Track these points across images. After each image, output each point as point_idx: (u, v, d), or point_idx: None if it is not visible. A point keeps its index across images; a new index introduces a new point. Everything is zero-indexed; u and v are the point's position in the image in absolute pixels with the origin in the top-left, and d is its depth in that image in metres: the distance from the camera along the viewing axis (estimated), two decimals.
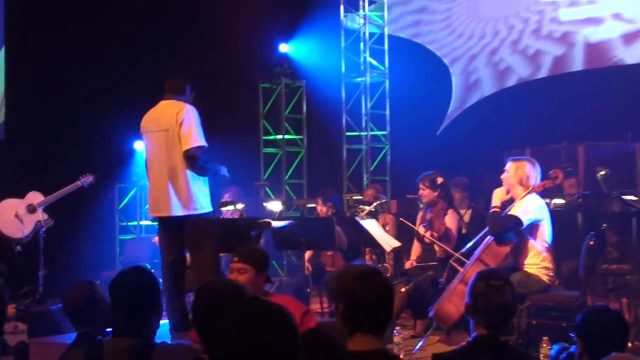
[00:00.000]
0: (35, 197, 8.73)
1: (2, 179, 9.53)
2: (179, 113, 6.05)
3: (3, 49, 10.84)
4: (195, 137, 6.03)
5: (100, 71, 10.62)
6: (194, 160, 6.05)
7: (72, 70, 10.59)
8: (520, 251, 6.24)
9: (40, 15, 10.58)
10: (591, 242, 6.62)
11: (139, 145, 11.48)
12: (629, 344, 5.59)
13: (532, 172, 6.32)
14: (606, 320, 3.43)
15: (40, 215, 8.65)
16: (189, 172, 6.09)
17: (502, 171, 6.48)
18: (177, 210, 6.11)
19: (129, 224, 11.60)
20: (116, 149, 11.20)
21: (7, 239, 8.57)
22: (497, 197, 6.33)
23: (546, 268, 6.22)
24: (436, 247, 7.34)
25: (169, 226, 6.27)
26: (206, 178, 6.24)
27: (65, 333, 6.42)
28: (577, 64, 10.79)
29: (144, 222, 11.38)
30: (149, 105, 6.50)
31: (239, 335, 1.94)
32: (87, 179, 8.87)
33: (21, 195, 8.74)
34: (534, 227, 6.16)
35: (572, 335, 3.50)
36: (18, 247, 8.56)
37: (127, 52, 10.67)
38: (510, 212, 6.19)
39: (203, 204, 6.20)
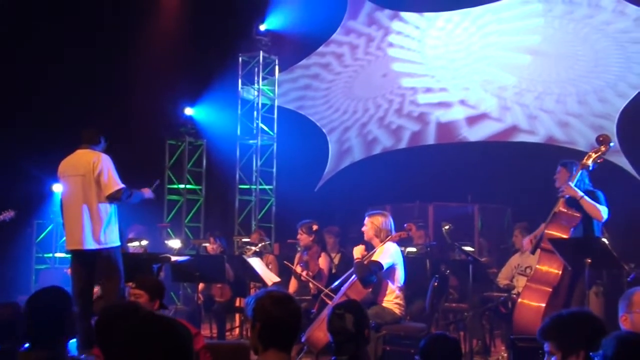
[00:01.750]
0: None
1: None
2: (96, 163, 5.96)
3: None
4: (114, 182, 5.97)
5: (25, 117, 10.29)
6: (118, 200, 5.98)
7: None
8: (378, 289, 6.30)
9: None
10: (436, 284, 6.77)
11: (56, 187, 11.13)
12: None
13: (385, 224, 6.43)
14: (444, 345, 3.48)
15: None
16: (102, 211, 5.97)
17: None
18: (90, 244, 5.95)
19: (45, 255, 11.17)
20: (36, 189, 10.82)
21: None
22: (358, 251, 6.38)
23: (398, 304, 6.29)
24: (310, 284, 7.34)
25: (81, 258, 6.07)
26: (115, 216, 6.11)
27: None
28: (430, 138, 11.08)
29: (58, 254, 10.98)
30: (66, 152, 6.34)
31: (135, 343, 1.88)
32: (9, 214, 8.49)
33: None
34: (390, 270, 6.24)
35: (416, 358, 3.52)
36: None
37: (48, 100, 10.37)
38: (372, 258, 6.26)
39: (113, 239, 6.06)
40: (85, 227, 5.96)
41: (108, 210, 6.04)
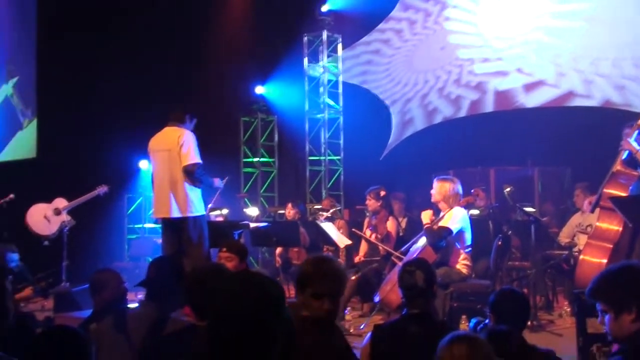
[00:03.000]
0: (60, 202, 8.63)
1: (34, 188, 9.45)
2: (180, 137, 6.10)
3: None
4: (192, 155, 6.07)
5: (112, 100, 10.59)
6: (191, 174, 6.09)
7: (88, 101, 10.55)
8: (447, 252, 6.29)
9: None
10: (499, 243, 6.70)
11: (143, 164, 11.44)
12: (529, 322, 5.67)
13: (454, 189, 6.36)
14: (513, 299, 3.45)
15: (65, 217, 8.57)
16: (186, 183, 6.10)
17: (431, 188, 6.53)
18: (176, 213, 6.11)
19: (135, 226, 11.52)
20: (126, 166, 11.19)
21: (37, 236, 8.49)
22: (426, 216, 6.38)
23: (466, 264, 6.28)
24: (379, 247, 7.36)
25: (169, 226, 6.24)
26: (200, 188, 6.24)
27: (82, 310, 6.36)
28: (489, 106, 10.87)
29: (147, 225, 11.31)
30: (153, 131, 6.51)
31: (234, 299, 1.86)
32: (103, 189, 8.80)
33: (49, 200, 8.64)
34: (459, 234, 6.22)
35: (486, 311, 3.51)
36: (46, 242, 8.49)
37: (132, 88, 10.61)
38: (441, 223, 6.23)
39: (198, 208, 6.20)
40: (172, 198, 6.12)
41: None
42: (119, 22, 11.01)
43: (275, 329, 1.87)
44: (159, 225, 10.45)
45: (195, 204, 6.16)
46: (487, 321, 3.60)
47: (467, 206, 6.76)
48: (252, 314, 1.84)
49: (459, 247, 6.24)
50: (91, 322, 3.79)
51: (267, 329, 1.85)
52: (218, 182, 6.53)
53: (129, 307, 3.91)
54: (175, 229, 6.18)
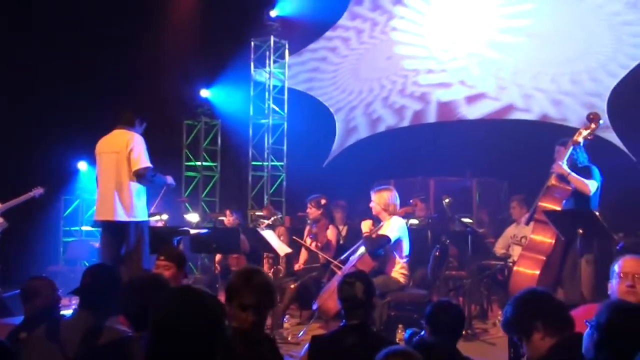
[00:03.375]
0: None
1: None
2: (129, 140, 6.04)
3: None
4: (143, 159, 6.03)
5: (48, 100, 10.34)
6: (143, 177, 6.04)
7: (24, 101, 10.28)
8: (385, 260, 6.36)
9: None
10: (437, 253, 6.80)
11: (82, 166, 11.23)
12: (464, 332, 5.77)
13: (391, 198, 6.47)
14: (449, 311, 3.51)
15: None
16: (132, 188, 6.03)
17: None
18: (120, 216, 6.03)
19: (72, 228, 11.29)
20: (63, 167, 10.94)
21: None
22: (365, 226, 6.44)
23: (403, 273, 6.34)
24: (319, 255, 7.39)
25: (110, 229, 6.14)
26: (144, 193, 6.17)
27: (14, 316, 6.18)
28: (432, 117, 11.07)
29: (84, 228, 11.11)
30: (90, 131, 6.43)
31: (175, 315, 1.90)
32: (38, 191, 8.58)
33: None
34: (397, 243, 6.29)
35: (422, 322, 3.56)
36: None
37: (73, 85, 10.40)
38: (380, 232, 6.30)
39: (141, 213, 6.13)
40: (117, 201, 6.04)
41: (138, 186, 6.10)
42: (59, 18, 10.76)
43: (215, 344, 1.91)
44: (97, 229, 10.31)
45: (139, 208, 6.09)
46: (422, 332, 3.66)
47: (406, 216, 6.85)
48: (192, 330, 1.88)
49: (396, 255, 6.32)
50: (21, 330, 3.69)
51: (207, 343, 1.89)
52: (171, 180, 6.48)
53: (62, 315, 3.82)
54: (117, 232, 6.08)
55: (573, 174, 5.93)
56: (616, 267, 3.46)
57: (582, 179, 5.91)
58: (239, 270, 3.17)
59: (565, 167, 5.96)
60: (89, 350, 3.16)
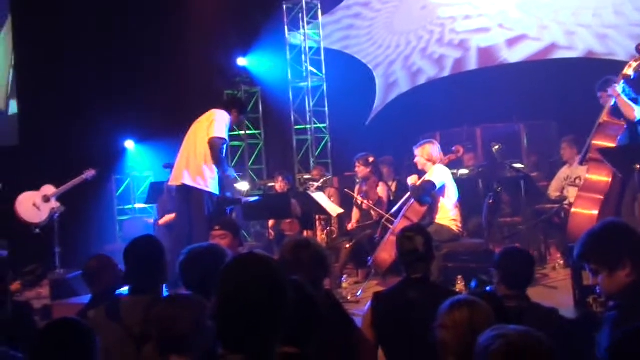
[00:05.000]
0: (48, 189, 8.56)
1: (20, 176, 9.38)
2: (215, 113, 6.19)
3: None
4: (220, 130, 6.11)
5: (94, 79, 10.47)
6: (216, 147, 6.10)
7: (70, 80, 10.43)
8: (434, 208, 6.37)
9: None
10: (490, 201, 6.74)
11: (129, 144, 11.39)
12: None
13: (433, 150, 6.50)
14: (519, 258, 3.47)
15: (54, 203, 8.51)
16: (205, 157, 6.10)
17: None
18: (187, 181, 6.13)
19: (125, 207, 11.50)
20: (111, 148, 11.11)
21: (28, 224, 8.42)
22: (412, 180, 6.57)
23: (455, 220, 6.35)
24: (372, 212, 7.38)
25: (180, 193, 6.28)
26: (217, 169, 6.23)
27: (79, 295, 6.36)
28: (472, 64, 10.86)
29: (137, 205, 11.29)
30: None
31: (241, 285, 1.92)
32: (90, 173, 8.73)
33: (37, 188, 8.58)
34: (443, 188, 6.32)
35: (491, 270, 3.52)
36: (37, 230, 8.43)
37: (113, 67, 10.50)
38: (425, 179, 6.35)
39: (210, 184, 6.18)
40: (185, 166, 6.17)
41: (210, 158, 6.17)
42: (95, 2, 10.83)
43: (281, 310, 1.94)
44: (149, 205, 10.49)
45: (208, 179, 6.16)
46: (488, 285, 3.63)
47: (453, 164, 6.84)
48: (260, 296, 1.90)
49: (445, 202, 6.32)
50: (89, 309, 3.78)
51: (274, 309, 1.92)
52: (232, 172, 6.57)
53: (122, 294, 3.88)
54: (186, 197, 6.19)
55: (623, 96, 5.83)
56: None
57: (631, 102, 5.81)
58: (289, 244, 3.16)
59: (619, 88, 5.86)
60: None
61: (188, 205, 6.19)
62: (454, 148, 6.74)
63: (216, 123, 6.11)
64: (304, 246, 3.09)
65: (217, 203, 6.36)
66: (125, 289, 3.83)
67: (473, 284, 3.94)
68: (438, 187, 6.27)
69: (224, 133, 6.15)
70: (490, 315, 2.49)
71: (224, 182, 6.40)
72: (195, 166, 6.14)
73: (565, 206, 6.84)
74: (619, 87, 5.90)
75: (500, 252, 3.56)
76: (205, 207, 6.14)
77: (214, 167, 6.17)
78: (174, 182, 6.37)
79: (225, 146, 6.25)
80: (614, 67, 7.25)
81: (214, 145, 6.09)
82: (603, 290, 2.76)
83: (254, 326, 1.89)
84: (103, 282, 4.18)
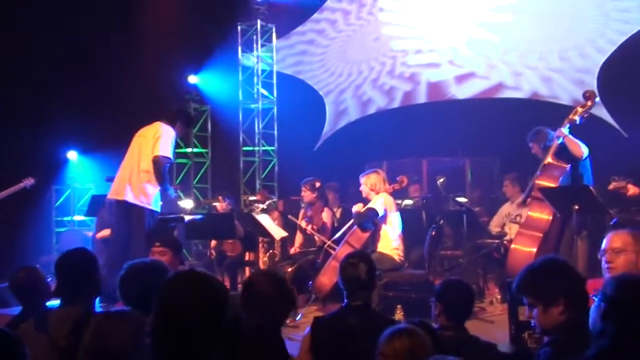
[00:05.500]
0: None
1: None
2: (160, 129, 6.05)
3: None
4: (166, 148, 6.02)
5: (38, 88, 10.19)
6: (160, 165, 6.00)
7: (11, 91, 10.13)
8: (376, 237, 6.42)
9: None
10: (433, 233, 6.80)
11: (71, 155, 11.13)
12: None
13: (378, 180, 6.57)
14: (460, 290, 3.50)
15: None
16: (148, 173, 6.01)
17: None
18: (129, 198, 6.02)
19: (64, 218, 11.21)
20: (53, 157, 10.82)
21: None
22: (357, 208, 6.63)
23: (397, 249, 6.39)
24: (315, 237, 7.37)
25: (122, 209, 6.12)
26: (159, 187, 6.14)
27: (10, 307, 6.11)
28: (422, 97, 11.02)
29: (76, 217, 11.03)
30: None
31: (182, 300, 1.88)
32: (29, 182, 8.47)
33: None
34: (385, 216, 6.37)
35: (431, 301, 3.53)
36: None
37: (60, 76, 10.25)
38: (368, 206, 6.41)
39: (154, 203, 6.10)
40: (128, 182, 6.07)
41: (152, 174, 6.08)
42: (46, 6, 10.59)
43: (220, 328, 1.90)
44: (89, 218, 10.23)
45: (150, 195, 6.07)
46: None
47: (401, 195, 6.91)
48: (199, 313, 1.87)
49: (388, 231, 6.38)
50: (18, 321, 3.64)
51: (213, 326, 1.88)
52: (172, 191, 6.46)
53: (52, 307, 3.77)
54: (125, 214, 6.06)
55: (570, 136, 6.02)
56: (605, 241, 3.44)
57: (578, 140, 6.00)
58: (265, 277, 3.17)
59: (565, 130, 6.05)
60: (76, 341, 3.11)
61: (128, 222, 6.07)
62: (398, 178, 6.81)
63: (162, 140, 6.02)
64: (282, 279, 3.17)
65: (160, 220, 6.26)
66: (56, 302, 3.71)
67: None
68: (380, 214, 6.33)
69: (169, 151, 6.07)
70: (429, 345, 2.50)
71: (163, 199, 6.33)
72: (138, 182, 6.05)
73: (505, 242, 6.95)
74: (565, 129, 6.08)
75: (442, 283, 3.59)
76: (146, 224, 6.04)
77: (156, 183, 6.09)
78: (115, 196, 6.22)
79: (169, 165, 6.18)
80: (557, 110, 7.49)
81: (159, 163, 6.01)
82: (537, 325, 2.80)
83: (193, 344, 1.85)
84: (32, 294, 4.04)
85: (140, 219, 6.04)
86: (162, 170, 6.03)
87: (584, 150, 6.06)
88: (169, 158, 6.09)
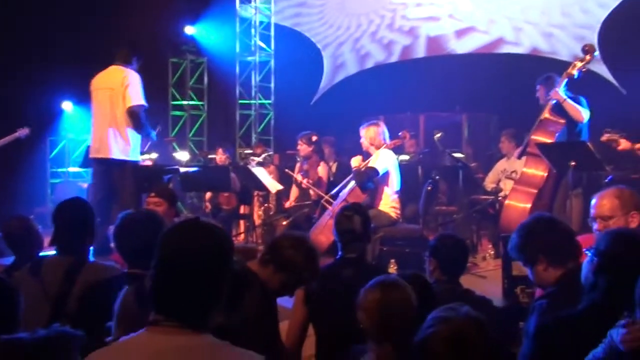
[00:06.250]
0: None
1: None
2: (125, 77, 5.94)
3: None
4: (138, 96, 5.94)
5: (33, 38, 10.06)
6: (136, 115, 5.93)
7: (6, 37, 10.00)
8: (375, 194, 6.34)
9: None
10: (429, 188, 6.80)
11: (66, 105, 11.04)
12: None
13: (379, 133, 6.40)
14: (454, 245, 3.50)
15: None
16: (127, 126, 5.96)
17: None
18: (116, 154, 5.96)
19: (58, 169, 11.18)
20: (47, 108, 10.73)
21: None
22: (355, 161, 6.43)
23: (394, 207, 6.33)
24: (311, 191, 7.36)
25: (106, 167, 6.07)
26: (140, 134, 6.09)
27: (3, 257, 6.13)
28: (421, 52, 10.92)
29: (71, 169, 11.00)
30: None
31: (185, 248, 1.84)
32: (24, 131, 8.41)
33: None
34: (386, 175, 6.27)
35: (425, 255, 3.54)
36: None
37: (55, 23, 10.12)
38: (369, 165, 6.28)
39: (135, 153, 6.07)
40: (111, 138, 5.97)
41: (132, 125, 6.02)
42: None
43: (224, 277, 1.88)
44: (84, 169, 10.21)
45: (135, 148, 6.04)
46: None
47: (396, 150, 6.81)
48: (203, 263, 1.83)
49: (386, 189, 6.30)
50: (11, 270, 3.66)
51: (217, 276, 1.86)
52: (154, 135, 6.41)
53: (46, 255, 3.78)
54: (111, 170, 6.03)
55: (569, 100, 5.93)
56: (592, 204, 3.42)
57: (577, 105, 5.91)
58: (296, 242, 3.11)
59: (562, 93, 5.95)
60: (70, 288, 3.13)
61: (115, 176, 6.04)
62: (400, 133, 6.69)
63: (131, 88, 5.91)
64: (314, 249, 3.15)
65: (155, 170, 6.24)
66: (48, 253, 3.72)
67: None
68: (381, 173, 6.21)
69: (141, 98, 5.97)
70: (407, 298, 2.49)
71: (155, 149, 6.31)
72: (120, 136, 5.99)
73: (500, 198, 6.95)
74: (561, 90, 5.99)
75: (436, 238, 3.58)
76: (133, 176, 6.05)
77: (135, 133, 6.05)
78: (98, 154, 6.15)
79: (145, 111, 6.08)
80: (556, 66, 7.39)
81: (134, 113, 5.93)
82: (534, 281, 2.86)
83: (195, 292, 1.82)
84: (25, 244, 4.05)
85: (128, 171, 6.02)
86: (140, 119, 5.97)
87: (584, 115, 5.95)
88: (144, 105, 6.00)
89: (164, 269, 1.84)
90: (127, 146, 5.97)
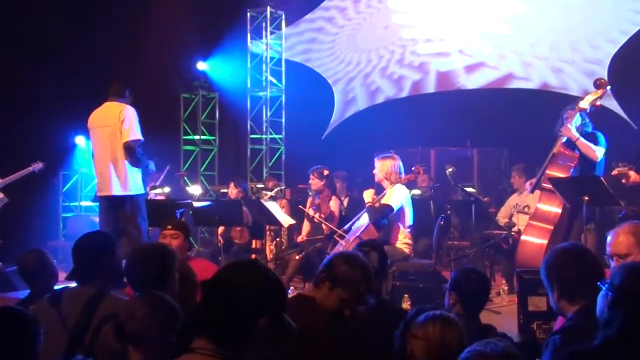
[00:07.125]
0: None
1: None
2: (121, 112, 5.96)
3: None
4: (134, 131, 5.95)
5: (48, 75, 10.16)
6: (132, 150, 5.95)
7: (21, 75, 10.12)
8: (389, 230, 6.28)
9: None
10: (441, 223, 6.75)
11: (80, 140, 11.12)
12: None
13: (395, 167, 6.34)
14: (476, 278, 3.48)
15: None
16: (126, 161, 5.98)
17: (372, 168, 6.51)
18: (117, 191, 5.98)
19: (71, 204, 11.23)
20: (61, 142, 10.81)
21: None
22: (368, 195, 6.35)
23: (407, 243, 6.29)
24: (323, 226, 7.34)
25: (109, 204, 6.09)
26: (139, 168, 6.11)
27: (18, 290, 6.13)
28: (431, 87, 10.98)
29: (83, 203, 11.04)
30: (89, 106, 6.34)
31: (245, 287, 1.96)
32: (38, 166, 8.49)
33: None
34: (400, 212, 6.22)
35: (445, 288, 3.51)
36: None
37: (70, 59, 10.23)
38: (383, 201, 6.22)
39: (138, 187, 6.07)
40: (113, 175, 6.00)
41: None
42: None
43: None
44: (96, 204, 10.23)
45: (136, 182, 6.05)
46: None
47: (409, 184, 6.77)
48: (254, 303, 1.95)
49: (400, 225, 6.26)
50: (27, 304, 3.64)
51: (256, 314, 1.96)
52: (153, 165, 6.42)
53: (65, 287, 3.78)
54: (114, 207, 6.05)
55: (582, 138, 5.89)
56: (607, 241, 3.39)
57: (590, 144, 5.87)
58: (350, 259, 3.14)
59: (574, 131, 5.91)
60: (89, 319, 3.11)
61: (119, 212, 6.06)
62: (413, 168, 6.64)
63: (126, 123, 5.96)
64: (364, 262, 3.16)
65: (170, 204, 6.25)
66: (63, 286, 3.72)
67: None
68: (395, 210, 6.16)
69: (137, 133, 5.99)
70: (461, 336, 2.50)
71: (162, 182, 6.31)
72: (122, 173, 6.02)
73: (513, 233, 6.92)
74: (572, 128, 5.92)
75: (458, 271, 3.55)
76: (142, 209, 6.07)
77: (136, 168, 6.09)
78: (101, 192, 6.19)
79: (141, 146, 6.10)
80: (566, 101, 7.41)
81: (130, 149, 5.97)
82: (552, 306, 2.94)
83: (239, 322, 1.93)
84: (40, 277, 4.05)
85: (135, 206, 6.04)
86: (136, 154, 6.01)
87: (598, 154, 5.87)
88: (140, 140, 6.03)
89: (215, 302, 1.95)
90: (127, 180, 6.00)
